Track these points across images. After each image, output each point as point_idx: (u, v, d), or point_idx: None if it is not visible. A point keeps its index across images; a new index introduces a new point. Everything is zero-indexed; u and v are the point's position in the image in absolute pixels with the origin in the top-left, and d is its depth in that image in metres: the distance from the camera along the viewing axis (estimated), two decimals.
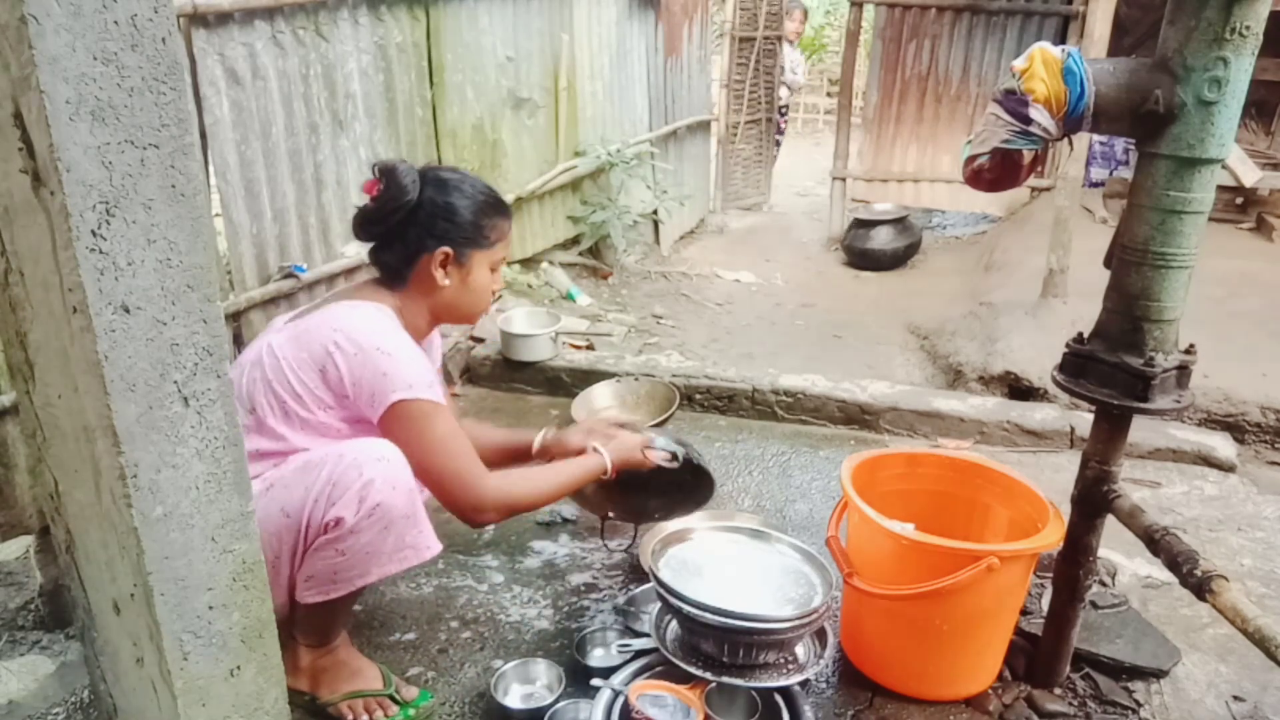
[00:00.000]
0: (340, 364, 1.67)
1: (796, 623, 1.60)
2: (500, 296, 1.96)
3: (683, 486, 2.11)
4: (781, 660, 1.68)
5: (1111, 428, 1.66)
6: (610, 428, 2.05)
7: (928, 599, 1.69)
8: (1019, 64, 1.50)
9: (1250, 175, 1.94)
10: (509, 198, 4.47)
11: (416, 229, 1.78)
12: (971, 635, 1.79)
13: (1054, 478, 2.71)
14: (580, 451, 1.96)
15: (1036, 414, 3.11)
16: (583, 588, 2.21)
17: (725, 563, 1.76)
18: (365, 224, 1.80)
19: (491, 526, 2.39)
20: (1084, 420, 2.93)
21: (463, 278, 1.84)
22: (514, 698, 1.82)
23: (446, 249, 1.80)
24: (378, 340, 1.69)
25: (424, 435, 1.69)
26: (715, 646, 1.63)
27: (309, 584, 1.66)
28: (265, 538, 1.60)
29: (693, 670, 1.63)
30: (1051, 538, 1.71)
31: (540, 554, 2.35)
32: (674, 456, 2.00)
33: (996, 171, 1.56)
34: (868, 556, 1.81)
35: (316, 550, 1.62)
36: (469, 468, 1.73)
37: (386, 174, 1.77)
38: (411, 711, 1.78)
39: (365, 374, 1.67)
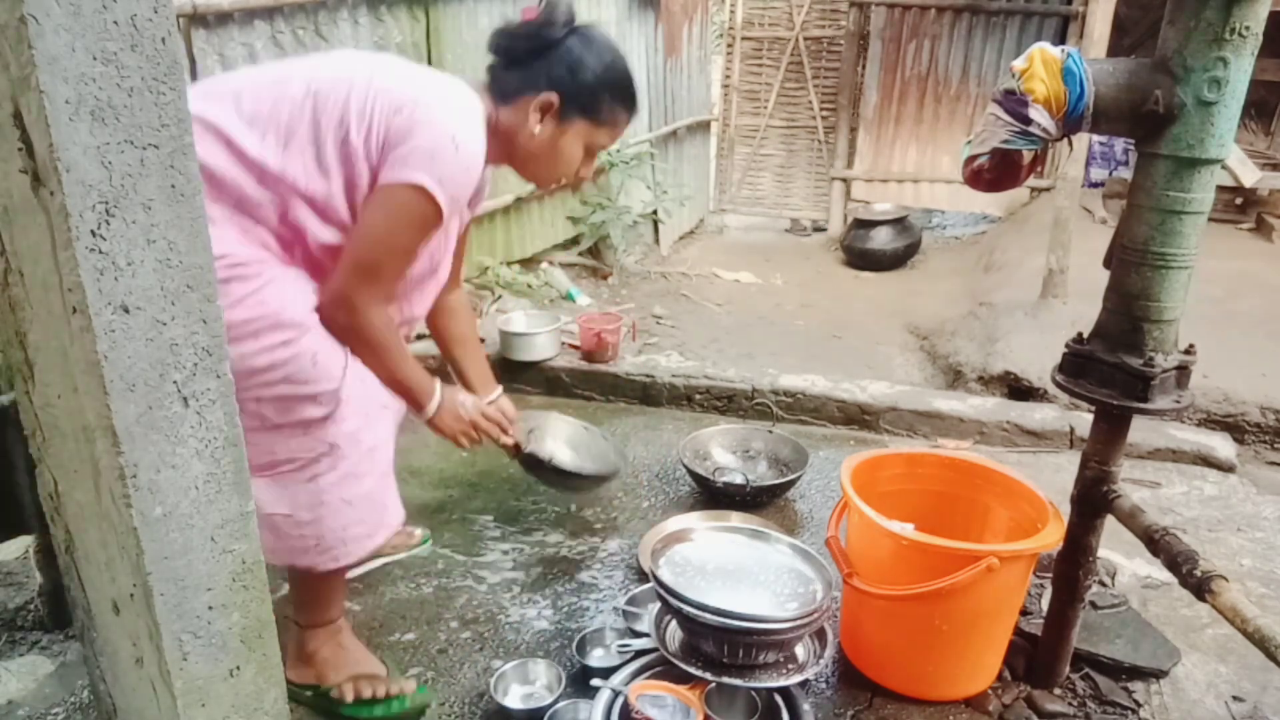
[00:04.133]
0: (409, 118, 1.58)
1: (796, 623, 1.60)
2: (584, 182, 1.90)
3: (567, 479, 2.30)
4: (781, 660, 1.68)
5: (1111, 428, 1.66)
6: (491, 406, 2.04)
7: (927, 599, 1.69)
8: (1019, 64, 1.50)
9: (1250, 175, 1.94)
10: (508, 198, 4.48)
11: (541, 63, 1.72)
12: (971, 635, 1.79)
13: (1054, 478, 2.71)
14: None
15: (1036, 414, 3.11)
16: (582, 588, 2.21)
17: (725, 563, 1.76)
18: (500, 37, 1.75)
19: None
20: (1084, 420, 2.93)
21: (555, 136, 1.76)
22: (514, 698, 1.82)
23: (553, 97, 1.72)
24: (454, 129, 1.61)
25: (393, 226, 1.61)
26: (715, 647, 1.63)
27: (321, 556, 1.71)
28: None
29: (692, 670, 1.63)
30: (1051, 538, 1.71)
31: (540, 554, 2.35)
32: (518, 449, 2.12)
33: (996, 171, 1.56)
34: (867, 557, 1.81)
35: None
36: (378, 287, 1.65)
37: (547, 4, 1.71)
38: (408, 702, 1.79)
39: (419, 142, 1.58)
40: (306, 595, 1.81)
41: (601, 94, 1.75)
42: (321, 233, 1.63)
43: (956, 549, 1.67)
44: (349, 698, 1.78)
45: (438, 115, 1.60)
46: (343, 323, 1.64)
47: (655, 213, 6.08)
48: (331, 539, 1.67)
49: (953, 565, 1.65)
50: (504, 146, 1.77)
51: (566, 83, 1.71)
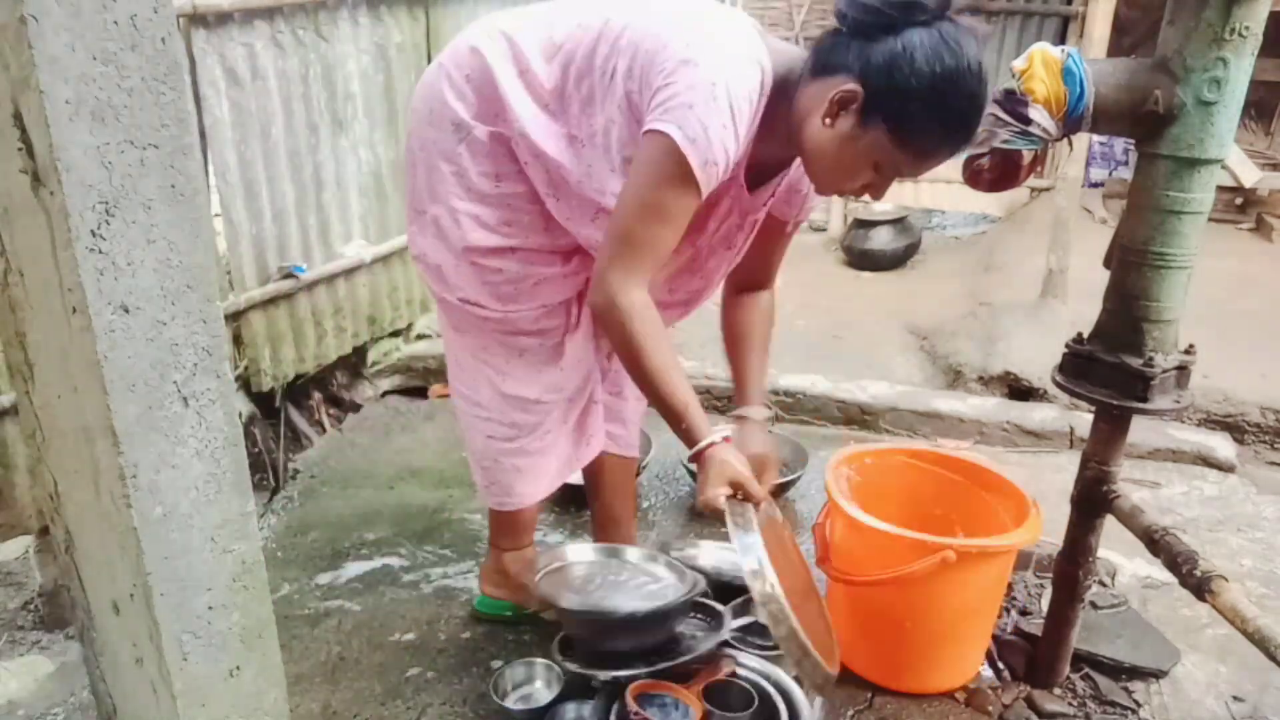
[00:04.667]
0: (673, 58, 1.41)
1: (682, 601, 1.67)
2: (862, 200, 1.54)
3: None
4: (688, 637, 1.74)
5: (1111, 428, 1.66)
6: (765, 465, 1.69)
7: (891, 590, 1.71)
8: (1019, 64, 1.50)
9: (1250, 175, 1.94)
10: None
11: (866, 46, 1.36)
12: (939, 629, 1.80)
13: (1054, 478, 2.70)
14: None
15: (1036, 414, 3.11)
16: None
17: (593, 576, 1.81)
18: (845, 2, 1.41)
19: None
20: (1084, 420, 2.93)
21: (842, 138, 1.41)
22: (513, 698, 1.82)
23: (856, 90, 1.37)
24: (718, 76, 1.38)
25: (643, 180, 1.43)
26: (629, 642, 1.68)
27: (486, 491, 1.96)
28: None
29: (607, 675, 1.66)
30: (1020, 537, 1.70)
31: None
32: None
33: (996, 172, 1.56)
34: (844, 548, 1.85)
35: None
36: (635, 260, 1.46)
37: None
38: None
39: (678, 89, 1.38)
40: (496, 522, 2.04)
41: (915, 107, 1.35)
42: (582, 181, 1.57)
43: (913, 539, 1.68)
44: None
45: (705, 58, 1.39)
46: (600, 304, 1.49)
47: None
48: (498, 490, 1.92)
49: (913, 556, 1.66)
50: (794, 129, 1.47)
51: (878, 78, 1.35)
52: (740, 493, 1.51)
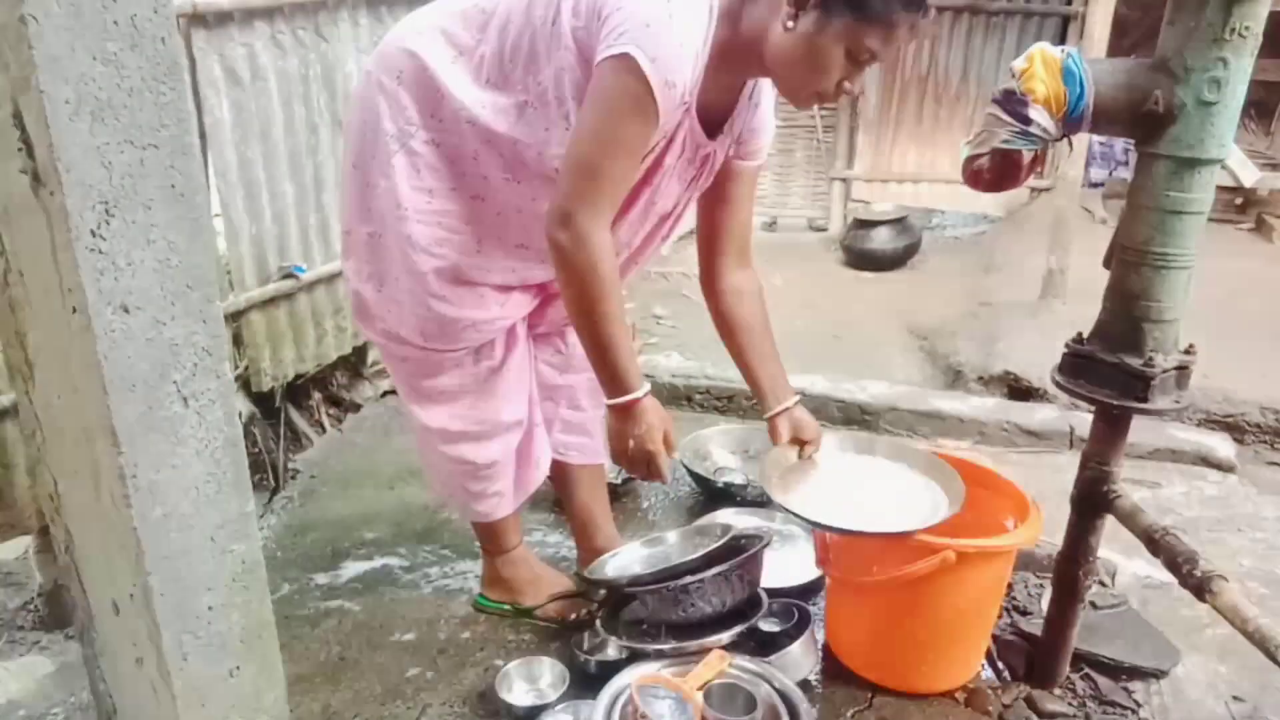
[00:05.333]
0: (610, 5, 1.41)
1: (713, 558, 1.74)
2: (850, 96, 1.51)
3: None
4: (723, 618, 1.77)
5: (1111, 428, 1.66)
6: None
7: (892, 590, 1.71)
8: (1018, 64, 1.50)
9: (1250, 175, 1.94)
10: None
11: None
12: (940, 630, 1.80)
13: (1054, 478, 2.70)
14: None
15: (1036, 414, 3.11)
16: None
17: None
18: None
19: None
20: (1084, 420, 2.93)
21: (811, 33, 1.42)
22: (518, 695, 1.82)
23: None
24: (680, 3, 1.41)
25: (602, 110, 1.42)
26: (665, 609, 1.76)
27: (447, 504, 2.10)
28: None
29: (648, 646, 1.75)
30: (1021, 536, 1.71)
31: (540, 554, 2.35)
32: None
33: (996, 172, 1.56)
34: (844, 548, 1.85)
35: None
36: (600, 194, 1.45)
37: None
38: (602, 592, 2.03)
39: (631, 10, 1.39)
40: (475, 528, 2.07)
41: None
42: (529, 142, 1.56)
43: (913, 539, 1.67)
44: (557, 618, 2.03)
45: None
46: (563, 244, 1.46)
47: None
48: (456, 505, 2.01)
49: (913, 556, 1.66)
50: (751, 48, 1.49)
51: None
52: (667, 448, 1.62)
